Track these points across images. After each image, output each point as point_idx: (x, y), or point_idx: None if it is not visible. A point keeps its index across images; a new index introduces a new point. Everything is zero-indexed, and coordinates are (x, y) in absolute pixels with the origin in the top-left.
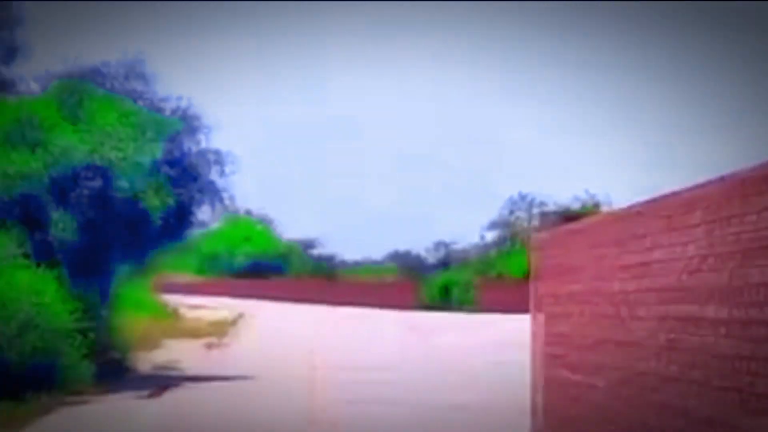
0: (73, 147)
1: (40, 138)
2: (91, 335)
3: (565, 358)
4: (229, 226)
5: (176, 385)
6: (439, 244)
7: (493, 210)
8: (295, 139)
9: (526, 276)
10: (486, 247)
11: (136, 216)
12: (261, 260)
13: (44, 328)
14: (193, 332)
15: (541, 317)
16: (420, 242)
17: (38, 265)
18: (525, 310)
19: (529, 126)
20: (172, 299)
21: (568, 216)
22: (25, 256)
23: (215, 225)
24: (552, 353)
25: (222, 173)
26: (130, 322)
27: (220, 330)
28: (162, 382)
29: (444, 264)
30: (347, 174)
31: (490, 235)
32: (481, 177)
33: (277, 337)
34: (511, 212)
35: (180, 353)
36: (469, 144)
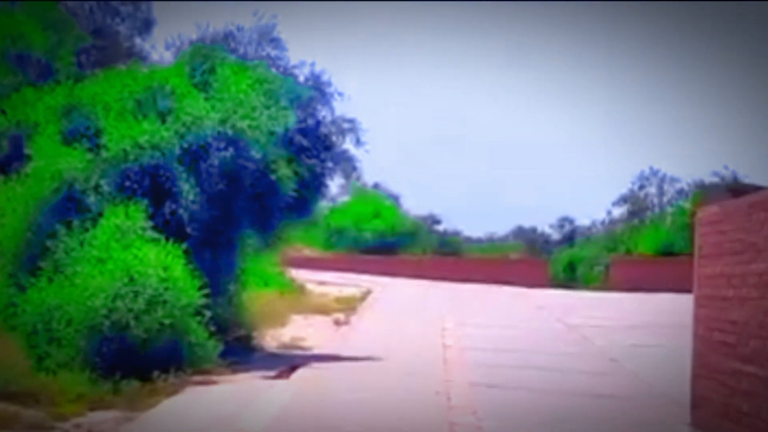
0: (205, 116)
1: (171, 107)
2: (219, 312)
3: (737, 347)
4: (358, 201)
5: (304, 365)
6: (563, 220)
7: (621, 186)
8: (419, 114)
9: (658, 253)
10: (612, 223)
11: (266, 188)
12: (388, 236)
13: (172, 304)
14: (321, 308)
15: (707, 300)
16: (544, 218)
17: (167, 238)
18: (656, 289)
19: (655, 102)
20: (299, 274)
21: (734, 189)
22: (154, 228)
23: (344, 199)
24: (720, 340)
25: (357, 143)
26: (258, 297)
27: (348, 306)
28: (289, 361)
29: (569, 240)
30: (469, 149)
31: (618, 211)
32: (605, 152)
33: (406, 314)
34: (641, 187)
35: (307, 330)
36: (592, 119)
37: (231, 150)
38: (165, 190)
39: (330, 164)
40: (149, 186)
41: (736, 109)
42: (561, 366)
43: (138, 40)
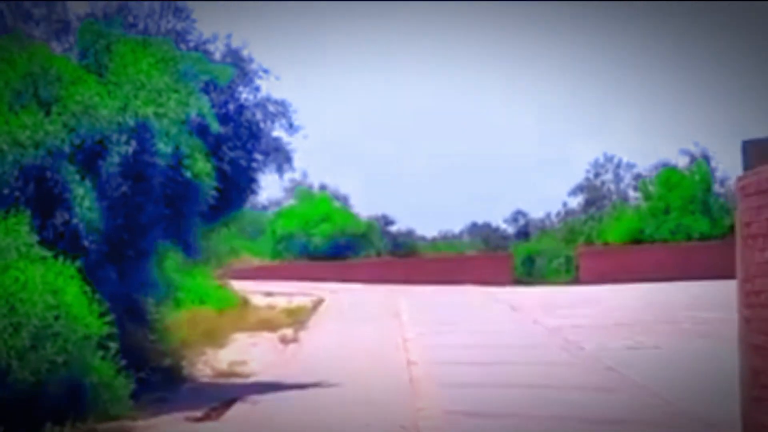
0: (99, 103)
1: (57, 95)
2: (134, 340)
3: None
4: (304, 204)
5: (241, 399)
6: (517, 214)
7: (575, 175)
8: (361, 110)
9: (626, 241)
10: (568, 214)
11: (181, 187)
12: (340, 240)
13: (65, 337)
14: (267, 323)
15: (762, 296)
16: (498, 213)
17: (58, 255)
18: (629, 280)
19: (603, 90)
20: (246, 287)
21: None
22: (42, 244)
23: (289, 203)
24: None
25: (290, 128)
26: (191, 317)
27: (297, 319)
28: (224, 393)
29: (524, 234)
30: (414, 144)
31: (575, 201)
32: (558, 141)
33: (362, 324)
34: (597, 175)
35: (250, 352)
36: (541, 109)
37: (134, 144)
38: (54, 196)
39: (258, 155)
40: (34, 192)
41: (692, 87)
42: (552, 381)
43: (55, 44)
